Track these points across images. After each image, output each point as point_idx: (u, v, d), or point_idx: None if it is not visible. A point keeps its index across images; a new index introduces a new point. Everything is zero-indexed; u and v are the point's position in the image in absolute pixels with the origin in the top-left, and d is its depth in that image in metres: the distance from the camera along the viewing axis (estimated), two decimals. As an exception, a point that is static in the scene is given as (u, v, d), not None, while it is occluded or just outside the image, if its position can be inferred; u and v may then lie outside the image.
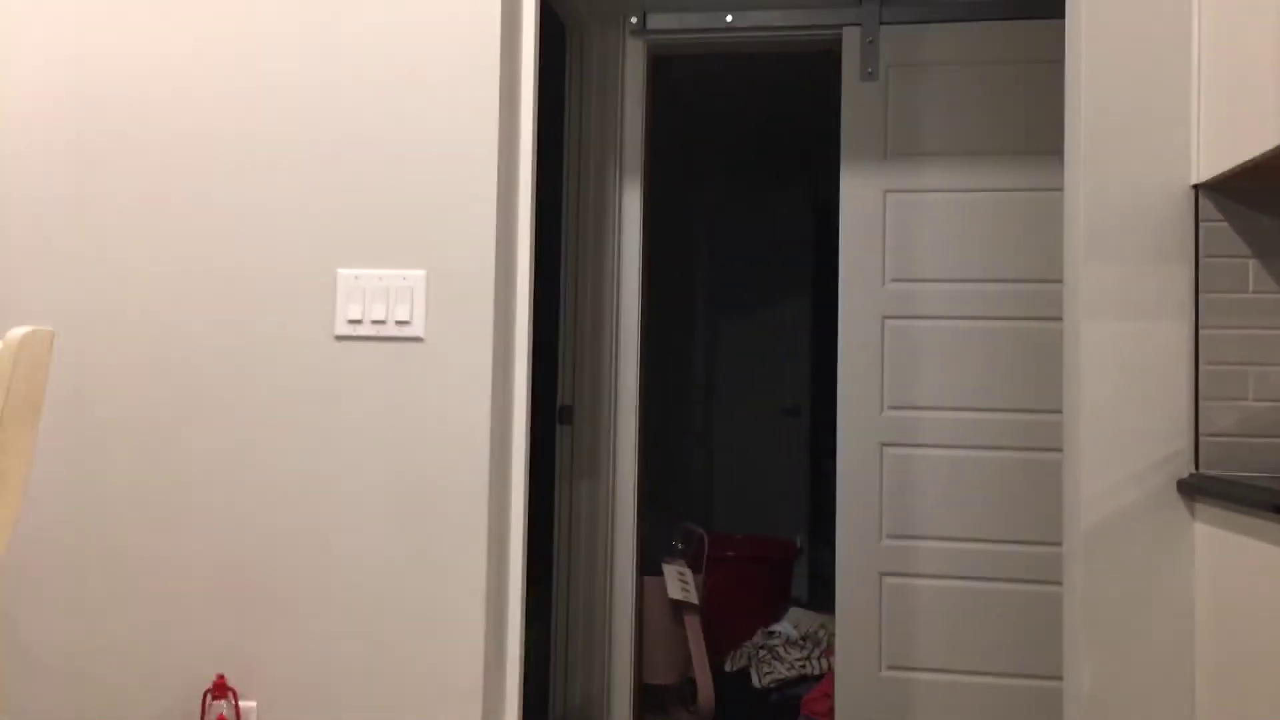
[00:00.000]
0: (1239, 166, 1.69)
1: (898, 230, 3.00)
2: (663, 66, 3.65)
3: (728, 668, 3.49)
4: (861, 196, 3.02)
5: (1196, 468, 1.81)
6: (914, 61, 3.00)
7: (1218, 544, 1.72)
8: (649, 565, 3.39)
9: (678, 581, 3.35)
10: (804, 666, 3.35)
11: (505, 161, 1.97)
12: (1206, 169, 1.80)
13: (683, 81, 3.96)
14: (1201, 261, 1.82)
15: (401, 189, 1.95)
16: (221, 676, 1.91)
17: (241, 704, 1.92)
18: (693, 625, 3.36)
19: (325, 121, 1.97)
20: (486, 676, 1.91)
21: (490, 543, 1.92)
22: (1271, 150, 1.57)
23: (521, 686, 2.01)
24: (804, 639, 3.49)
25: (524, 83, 2.05)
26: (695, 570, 3.49)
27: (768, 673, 3.35)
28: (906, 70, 3.00)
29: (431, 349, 1.93)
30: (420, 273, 1.94)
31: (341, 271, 1.95)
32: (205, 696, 1.91)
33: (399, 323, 1.94)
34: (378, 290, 1.95)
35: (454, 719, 1.89)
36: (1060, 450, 2.30)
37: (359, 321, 1.95)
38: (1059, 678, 2.13)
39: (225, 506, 1.96)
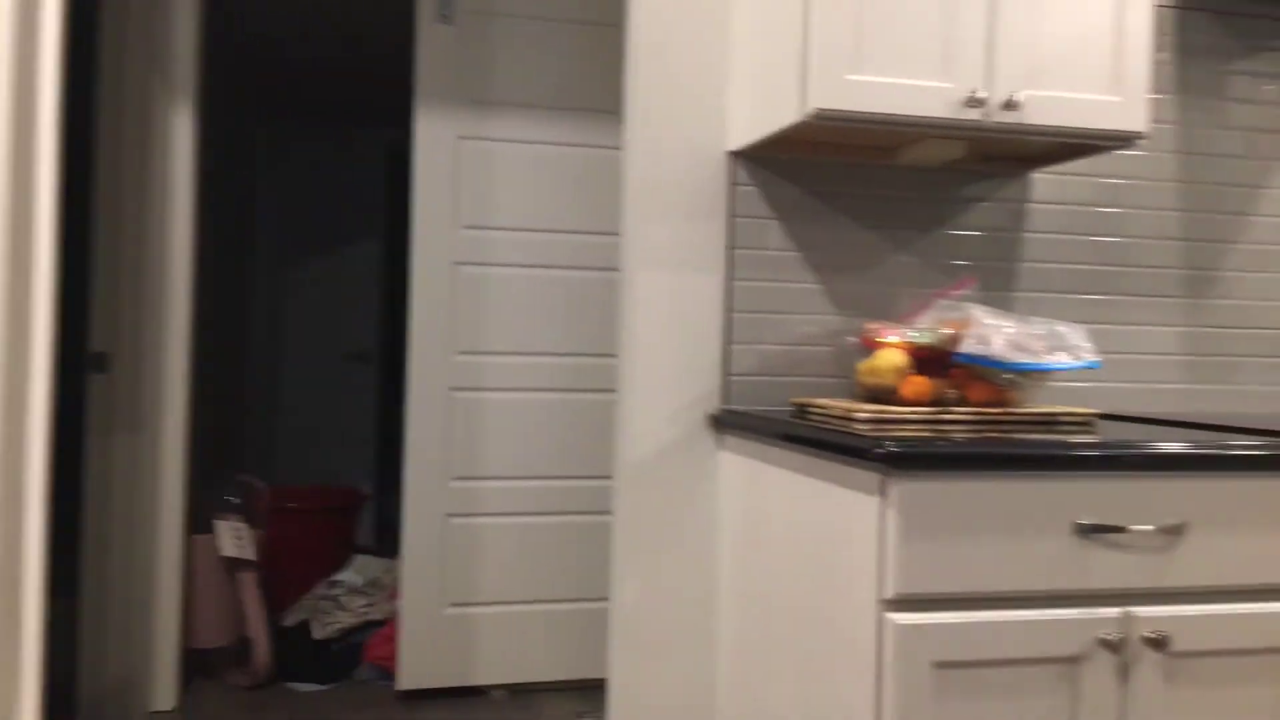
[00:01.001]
0: (765, 138, 1.92)
1: (472, 178, 3.02)
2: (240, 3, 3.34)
3: (288, 623, 3.35)
4: (436, 142, 3.00)
5: (726, 404, 2.04)
6: (489, 10, 3.02)
7: (738, 469, 1.96)
8: (203, 523, 3.14)
9: (232, 537, 3.15)
10: (367, 613, 3.32)
11: (18, 63, 1.68)
12: (740, 138, 2.02)
13: (255, 15, 3.65)
14: (733, 220, 2.04)
15: None
16: None
17: None
18: (248, 582, 3.18)
19: None
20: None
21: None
22: (790, 125, 1.80)
23: (42, 669, 1.77)
24: (368, 585, 3.45)
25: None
26: (254, 525, 3.30)
27: (329, 623, 3.27)
28: (482, 18, 3.01)
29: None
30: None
31: None
32: None
33: None
34: None
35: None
36: (613, 391, 2.48)
37: None
38: (608, 599, 2.31)
39: None
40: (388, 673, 3.13)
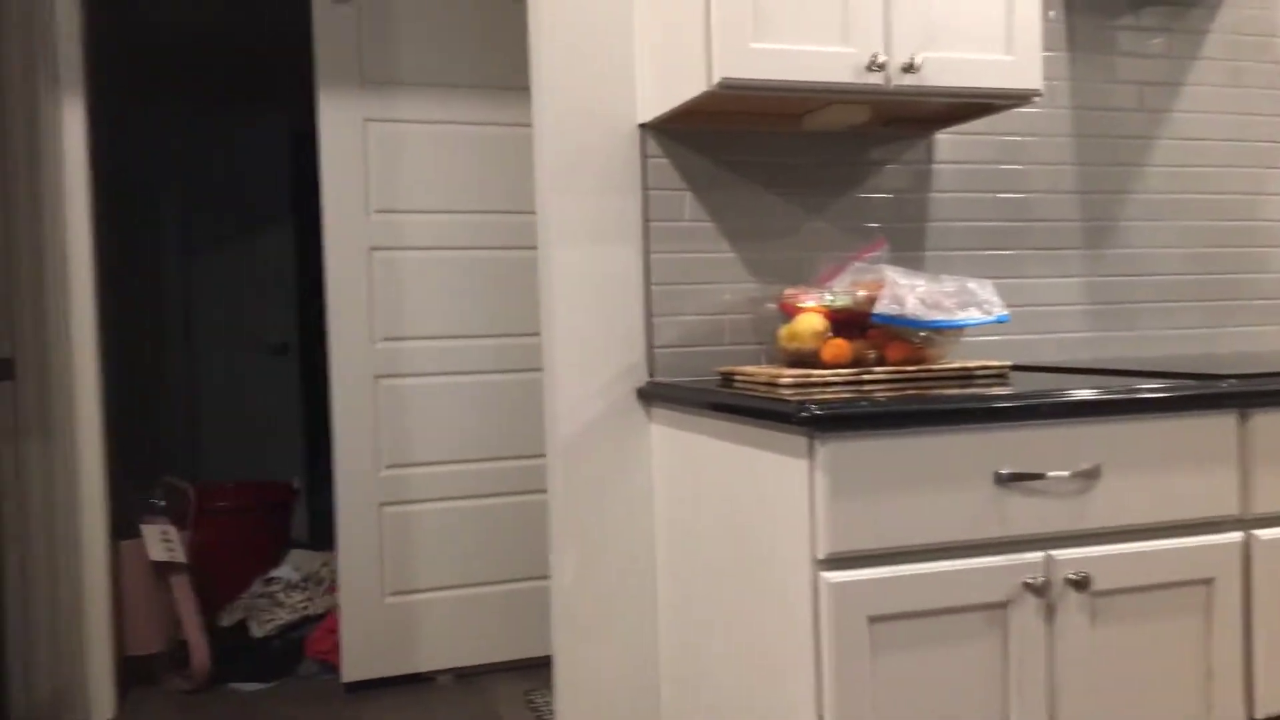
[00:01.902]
0: (674, 110, 1.92)
1: (381, 160, 2.97)
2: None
3: (224, 623, 3.30)
4: (341, 125, 2.94)
5: (651, 376, 2.05)
6: (388, -13, 2.95)
7: (668, 440, 1.98)
8: (128, 528, 3.06)
9: (160, 541, 3.08)
10: (306, 608, 3.28)
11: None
12: (649, 111, 2.02)
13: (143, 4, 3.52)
14: (647, 193, 2.05)
15: None
16: None
17: None
18: (180, 585, 3.12)
19: None
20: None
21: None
22: (697, 96, 1.81)
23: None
24: (305, 580, 3.41)
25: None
26: (182, 527, 3.23)
27: (268, 620, 3.23)
28: (381, -4, 2.95)
29: None
30: None
31: None
32: None
33: None
34: None
35: None
36: (541, 370, 2.48)
37: None
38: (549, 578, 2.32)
39: None
40: (331, 666, 3.11)
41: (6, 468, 2.66)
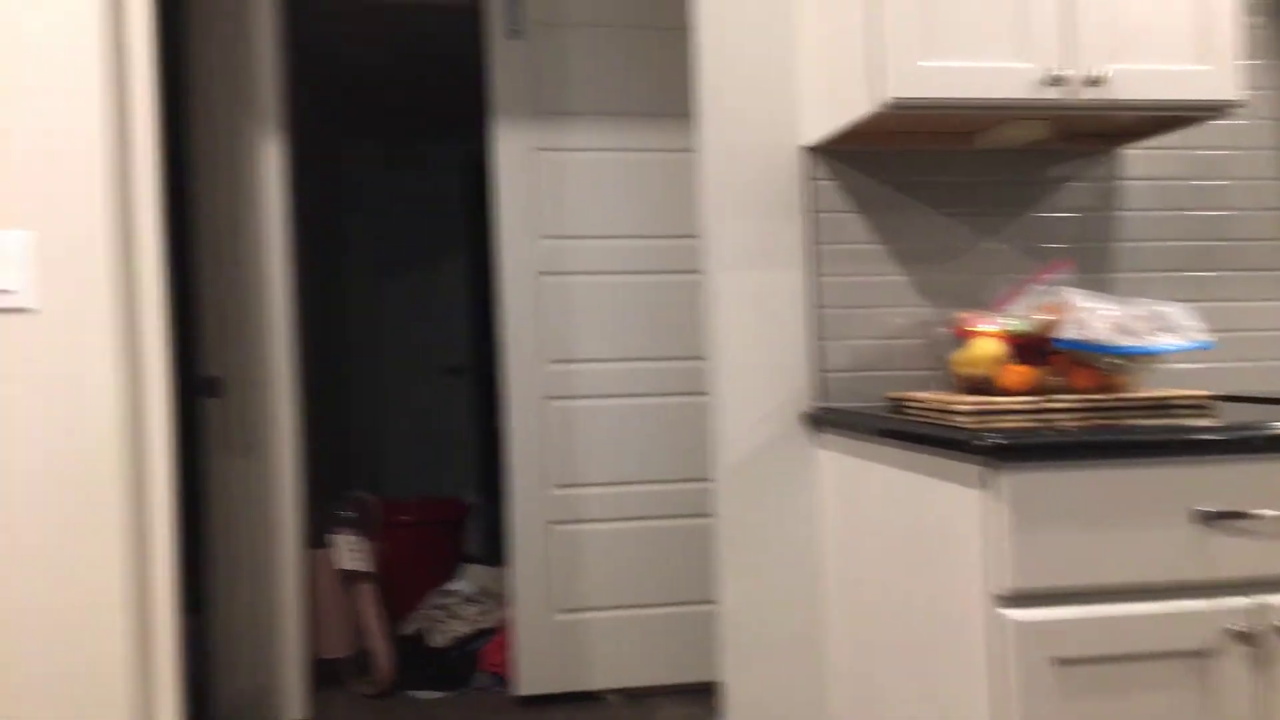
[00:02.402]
0: (840, 131, 1.90)
1: (550, 188, 3.06)
2: (321, 32, 3.44)
3: (405, 632, 3.45)
4: (514, 154, 3.04)
5: (820, 401, 2.03)
6: (559, 21, 3.05)
7: (836, 466, 1.95)
8: (319, 538, 3.26)
9: (347, 551, 3.26)
10: (480, 621, 3.40)
11: (115, 104, 1.76)
12: (814, 132, 2.00)
13: (337, 42, 3.76)
14: (815, 215, 2.03)
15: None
16: None
17: None
18: (365, 594, 3.29)
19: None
20: (132, 678, 1.75)
21: (129, 535, 1.75)
22: (865, 117, 1.78)
23: (178, 684, 1.86)
24: (480, 594, 3.53)
25: (133, 15, 1.82)
26: (369, 538, 3.41)
27: (445, 631, 3.36)
28: (552, 29, 3.04)
29: (45, 321, 1.71)
30: (24, 234, 1.70)
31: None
32: None
33: (1, 291, 1.70)
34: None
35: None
36: (706, 394, 2.48)
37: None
38: (715, 602, 2.32)
39: None
40: (503, 679, 3.20)
41: (215, 480, 2.89)
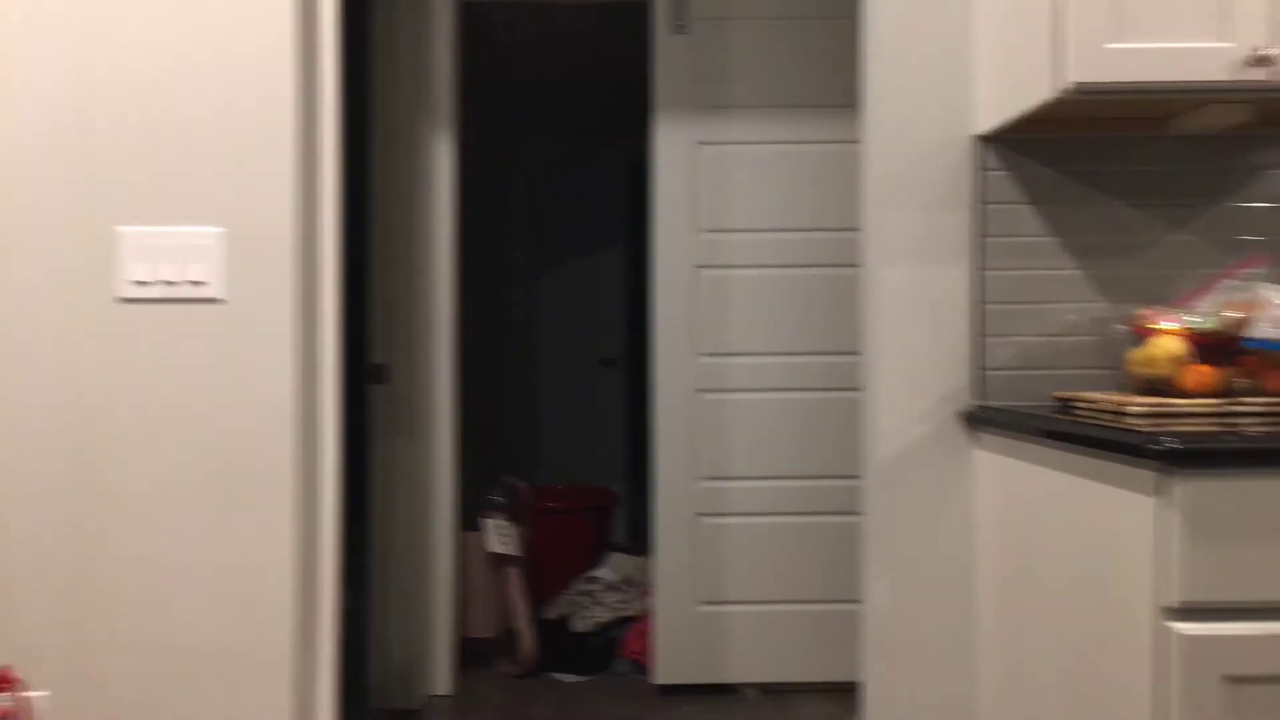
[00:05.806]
0: (1016, 119, 1.82)
1: (710, 181, 3.06)
2: (491, 33, 3.56)
3: (549, 616, 3.52)
4: (674, 149, 3.06)
5: (979, 399, 1.95)
6: (723, 15, 3.05)
7: (996, 467, 1.87)
8: (470, 521, 3.36)
9: (496, 535, 3.35)
10: (622, 609, 3.43)
11: (304, 110, 1.87)
12: (986, 121, 1.92)
13: (504, 43, 3.89)
14: (983, 207, 1.95)
15: (191, 144, 1.83)
16: (6, 668, 1.77)
17: (30, 694, 1.79)
18: (513, 577, 3.37)
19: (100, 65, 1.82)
20: (296, 650, 1.85)
21: (298, 513, 1.85)
22: (1044, 103, 1.70)
23: (337, 656, 1.95)
24: (623, 582, 3.56)
25: (323, 28, 1.93)
26: (518, 523, 3.49)
27: (588, 617, 3.40)
28: (716, 23, 3.05)
29: (231, 311, 1.83)
30: (216, 230, 1.83)
31: (124, 230, 1.82)
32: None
33: (193, 283, 1.82)
34: (168, 249, 1.82)
35: (261, 695, 1.83)
36: (860, 389, 2.42)
37: (147, 283, 1.82)
38: (859, 601, 2.26)
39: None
40: (643, 667, 3.22)
41: (378, 463, 3.02)
